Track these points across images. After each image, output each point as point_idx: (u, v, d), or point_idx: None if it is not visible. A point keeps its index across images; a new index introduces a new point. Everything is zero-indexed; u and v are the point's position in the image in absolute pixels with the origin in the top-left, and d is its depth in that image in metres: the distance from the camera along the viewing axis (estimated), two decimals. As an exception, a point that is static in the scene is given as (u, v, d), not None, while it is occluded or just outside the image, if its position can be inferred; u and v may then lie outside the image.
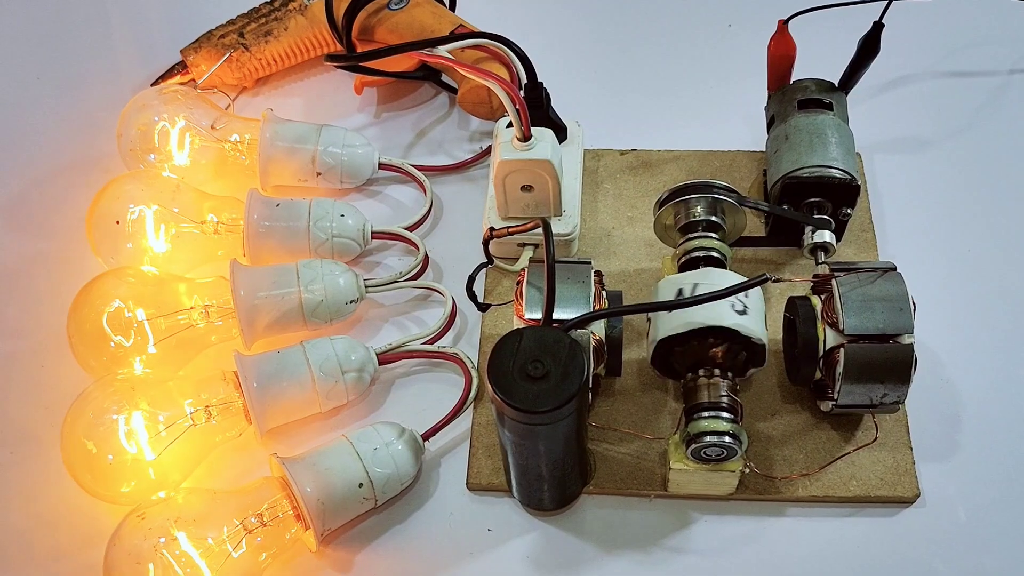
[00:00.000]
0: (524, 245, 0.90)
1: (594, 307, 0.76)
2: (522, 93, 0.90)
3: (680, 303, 0.70)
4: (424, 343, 0.87)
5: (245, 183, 0.95)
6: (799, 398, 0.84)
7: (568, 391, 0.66)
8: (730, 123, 1.01)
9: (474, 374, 0.85)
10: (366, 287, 0.89)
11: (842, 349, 0.75)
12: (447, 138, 1.02)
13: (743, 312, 0.75)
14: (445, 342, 0.88)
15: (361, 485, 0.77)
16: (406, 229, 0.93)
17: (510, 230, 0.77)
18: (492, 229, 0.78)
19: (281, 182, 0.97)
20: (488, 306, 0.82)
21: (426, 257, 0.92)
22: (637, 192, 0.96)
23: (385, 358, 0.86)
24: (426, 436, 0.81)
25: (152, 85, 1.06)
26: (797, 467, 0.80)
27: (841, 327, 0.75)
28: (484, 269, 0.84)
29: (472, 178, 0.99)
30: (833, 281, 0.76)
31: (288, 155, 0.95)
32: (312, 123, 0.97)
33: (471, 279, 0.81)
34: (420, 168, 0.98)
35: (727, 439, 0.73)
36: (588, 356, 0.73)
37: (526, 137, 0.82)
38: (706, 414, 0.74)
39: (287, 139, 0.95)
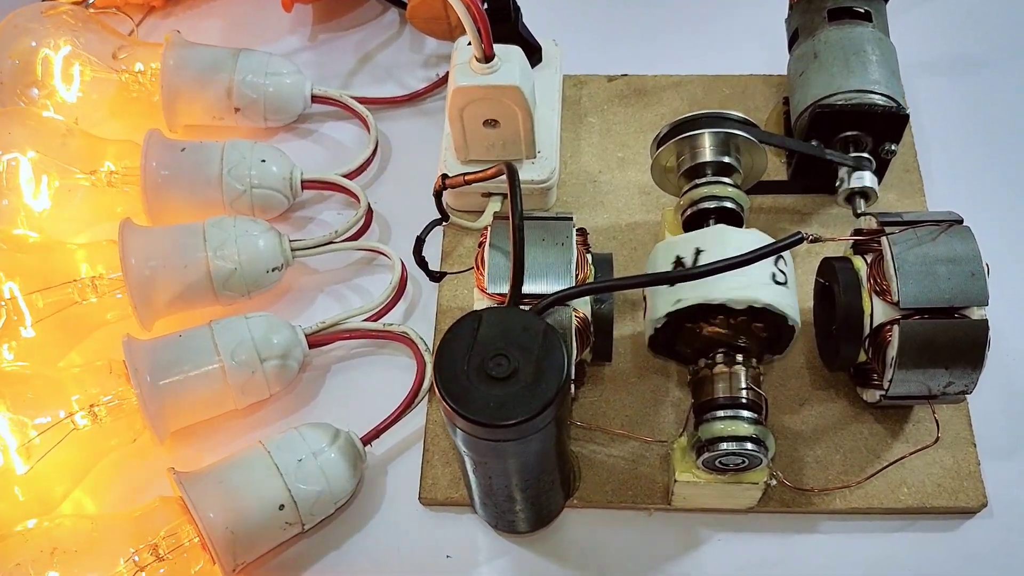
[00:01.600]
0: (490, 195, 0.72)
1: (577, 277, 0.59)
2: (484, 4, 0.72)
3: (688, 274, 0.53)
4: (366, 319, 0.70)
5: (151, 124, 0.77)
6: (834, 383, 0.67)
7: (543, 396, 0.49)
8: (741, 41, 0.84)
9: (428, 359, 0.68)
10: (294, 250, 0.71)
11: (896, 326, 0.58)
12: (396, 64, 0.85)
13: (783, 284, 0.58)
14: (393, 318, 0.71)
15: (282, 507, 0.60)
16: (345, 177, 0.76)
17: (466, 178, 0.59)
18: (445, 177, 0.61)
19: (192, 121, 0.79)
20: (442, 275, 0.65)
21: (369, 211, 0.74)
22: (629, 128, 0.78)
23: (317, 340, 0.69)
24: (367, 439, 0.65)
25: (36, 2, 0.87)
26: (833, 471, 0.64)
27: (895, 298, 0.58)
28: (437, 227, 0.66)
29: (427, 112, 0.82)
30: (884, 238, 0.59)
31: (198, 87, 0.77)
32: (228, 47, 0.78)
33: (419, 241, 0.64)
34: (363, 101, 0.80)
35: (749, 446, 0.57)
36: (569, 345, 0.56)
37: (488, 57, 0.64)
38: (722, 414, 0.58)
39: (196, 67, 0.77)
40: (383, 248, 0.72)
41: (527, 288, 0.57)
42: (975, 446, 0.64)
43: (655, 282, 0.53)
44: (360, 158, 0.77)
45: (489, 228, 0.60)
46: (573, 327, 0.58)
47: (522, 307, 0.52)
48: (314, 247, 0.72)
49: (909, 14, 0.83)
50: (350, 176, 0.76)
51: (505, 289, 0.57)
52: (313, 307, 0.73)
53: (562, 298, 0.53)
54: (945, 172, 0.76)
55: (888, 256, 0.59)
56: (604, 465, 0.65)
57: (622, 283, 0.53)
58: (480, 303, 0.60)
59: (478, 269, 0.60)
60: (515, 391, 0.49)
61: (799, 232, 0.55)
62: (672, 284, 0.53)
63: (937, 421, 0.62)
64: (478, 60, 0.64)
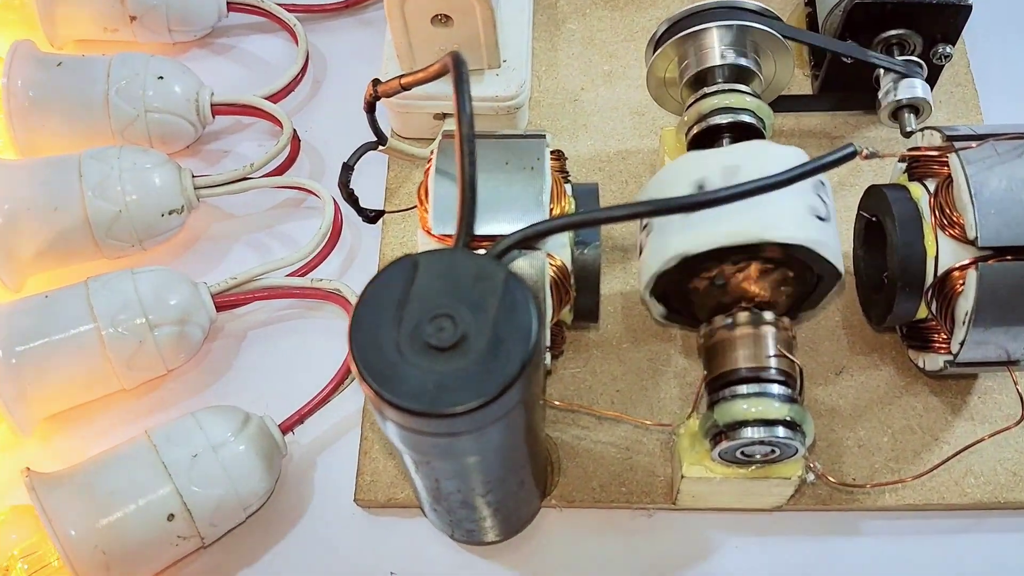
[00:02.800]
0: (445, 117, 0.58)
1: (551, 212, 0.45)
2: None
3: (707, 200, 0.39)
4: (291, 275, 0.56)
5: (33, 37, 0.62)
6: (878, 346, 0.53)
7: (503, 372, 0.35)
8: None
9: (366, 322, 0.53)
10: (199, 188, 0.57)
11: (972, 271, 0.44)
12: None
13: (825, 219, 0.44)
14: (325, 272, 0.57)
15: (172, 517, 0.47)
16: (267, 99, 0.61)
17: (402, 81, 0.45)
18: (376, 83, 0.46)
19: (80, 34, 0.64)
20: (379, 214, 0.51)
21: (295, 140, 0.60)
22: (616, 34, 0.64)
23: (228, 300, 0.55)
24: (288, 426, 0.51)
25: None
26: (880, 457, 0.51)
27: (971, 234, 0.44)
28: (373, 153, 0.51)
29: (369, 22, 0.67)
30: (954, 157, 0.45)
31: (83, -10, 0.61)
32: (120, -59, 0.63)
33: (347, 168, 0.49)
34: (291, 8, 0.65)
35: (781, 431, 0.43)
36: (541, 301, 0.42)
37: (434, -68, 0.49)
38: (744, 390, 0.44)
39: (79, -36, 0.61)
40: (311, 185, 0.57)
41: (485, 227, 0.43)
42: (1062, 425, 0.51)
43: (662, 211, 0.39)
44: (286, 77, 0.62)
45: (436, 150, 0.46)
46: (547, 278, 0.44)
47: (474, 250, 0.38)
48: (225, 184, 0.57)
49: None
50: (273, 98, 0.62)
51: (454, 228, 0.43)
52: (226, 260, 0.59)
53: (531, 236, 0.38)
54: (1005, 84, 0.62)
55: (960, 179, 0.44)
56: (590, 455, 0.51)
57: (613, 214, 0.39)
58: (425, 246, 0.45)
59: (421, 203, 0.46)
60: (464, 366, 0.35)
61: (851, 144, 0.40)
62: (688, 213, 0.39)
63: (1020, 394, 0.48)
64: (422, -65, 0.50)
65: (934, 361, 0.49)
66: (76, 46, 0.65)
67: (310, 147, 0.62)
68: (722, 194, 0.38)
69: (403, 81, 0.44)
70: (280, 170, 0.60)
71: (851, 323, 0.54)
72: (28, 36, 0.62)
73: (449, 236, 0.44)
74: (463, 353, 0.35)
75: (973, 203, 0.44)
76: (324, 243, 0.56)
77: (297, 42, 0.64)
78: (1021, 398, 0.47)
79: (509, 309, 0.36)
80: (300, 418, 0.51)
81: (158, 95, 0.58)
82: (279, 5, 0.65)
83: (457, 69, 0.39)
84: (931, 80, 0.57)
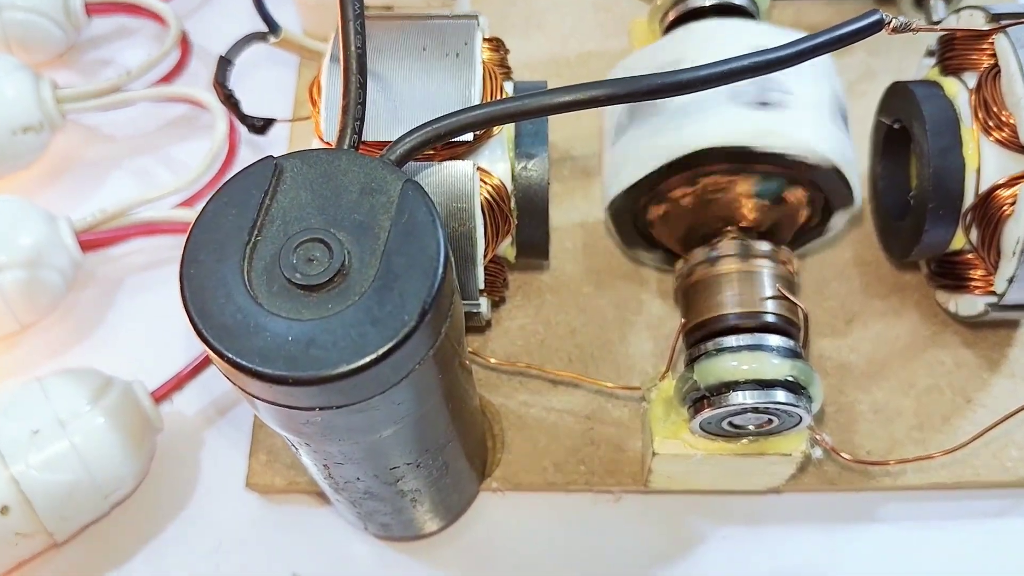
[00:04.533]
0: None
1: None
2: None
3: (689, 79, 0.28)
4: (178, 207, 0.45)
5: None
6: (898, 287, 0.43)
7: (397, 320, 0.25)
8: None
9: (265, 263, 0.43)
10: (63, 100, 0.46)
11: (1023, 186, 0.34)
12: None
13: (838, 122, 0.34)
14: (219, 202, 0.46)
15: (6, 510, 0.36)
16: (152, -4, 0.50)
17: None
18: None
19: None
20: (267, 123, 0.40)
21: (185, 43, 0.49)
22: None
23: (97, 239, 0.44)
24: (162, 393, 0.40)
25: None
26: (901, 425, 0.41)
27: (1025, 139, 0.34)
28: (259, 44, 0.40)
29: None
30: (1003, 39, 0.35)
31: None
32: None
33: (224, 62, 0.38)
34: None
35: (780, 396, 0.33)
36: (466, 222, 0.32)
37: None
38: (734, 341, 0.34)
39: None
40: (198, 95, 0.47)
41: (390, 130, 0.33)
42: (1123, 379, 0.41)
43: (629, 95, 0.28)
44: (176, -32, 0.51)
45: (332, 38, 0.35)
46: (477, 199, 0.34)
47: (363, 152, 0.28)
48: (95, 97, 0.46)
49: None
50: (161, -7, 0.51)
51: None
52: (100, 191, 0.48)
53: (441, 133, 0.28)
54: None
55: (1012, 68, 0.34)
56: (542, 426, 0.41)
57: (561, 100, 0.28)
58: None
59: (313, 103, 0.35)
60: (341, 311, 0.25)
61: (876, 11, 0.30)
62: (665, 97, 0.28)
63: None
64: None
65: (971, 304, 0.39)
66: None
67: (206, 54, 0.51)
68: (705, 73, 0.28)
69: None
70: (166, 80, 0.49)
71: (864, 259, 0.44)
72: None
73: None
74: (341, 294, 0.25)
75: (1030, 98, 0.33)
76: (216, 167, 0.46)
77: (192, -73, 0.53)
78: (1081, 350, 0.37)
79: (406, 232, 0.26)
80: (178, 383, 0.41)
81: (14, -11, 0.47)
82: None
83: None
84: (958, -38, 0.46)
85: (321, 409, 0.26)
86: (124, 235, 0.44)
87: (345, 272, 0.25)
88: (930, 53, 0.40)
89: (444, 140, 0.28)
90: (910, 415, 0.41)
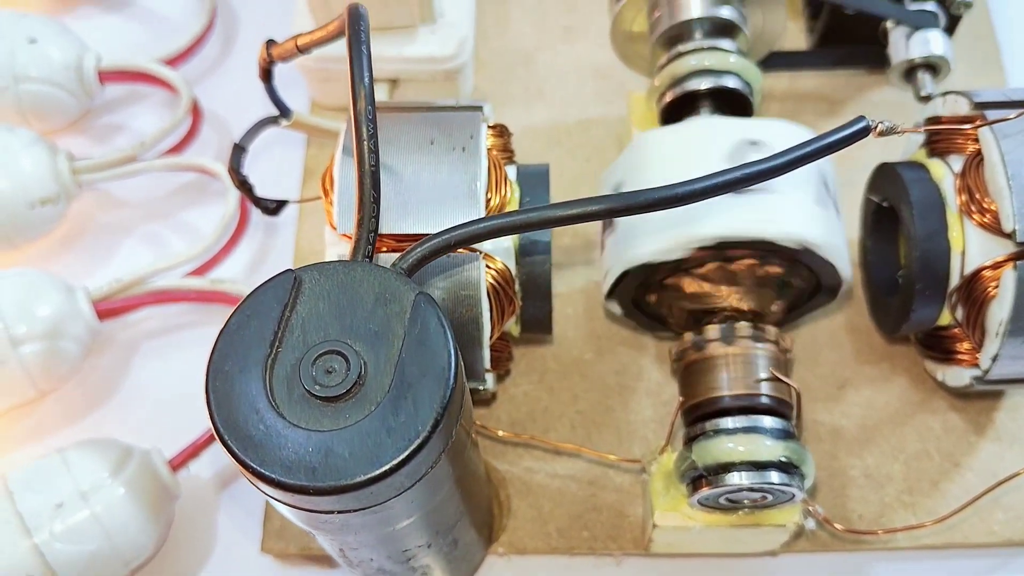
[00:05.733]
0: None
1: (489, 204, 0.36)
2: None
3: (683, 193, 0.30)
4: (189, 274, 0.47)
5: None
6: (888, 354, 0.45)
7: (411, 431, 0.26)
8: None
9: (276, 333, 0.44)
10: (79, 172, 0.47)
11: (1009, 270, 0.36)
12: None
13: (827, 207, 0.35)
14: (230, 270, 0.48)
15: (30, 582, 0.38)
16: (166, 63, 0.51)
17: (298, 43, 0.35)
18: (270, 44, 0.37)
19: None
20: (279, 205, 0.42)
21: (196, 112, 0.50)
22: (577, -17, 0.55)
23: (113, 307, 0.45)
24: (180, 461, 0.42)
25: None
26: (891, 489, 0.42)
27: (1007, 226, 0.35)
28: (272, 127, 0.42)
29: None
30: (987, 130, 0.36)
31: (-57, -65, 0.52)
32: None
33: (238, 150, 0.40)
34: (195, -45, 0.55)
35: (774, 477, 0.34)
36: (482, 348, 0.34)
37: None
38: (730, 423, 0.35)
39: (-61, -95, 0.52)
40: (211, 166, 0.48)
41: (402, 224, 0.34)
42: (1105, 440, 0.42)
43: (623, 210, 0.30)
44: (188, 36, 0.53)
45: (344, 130, 0.37)
46: (483, 286, 0.35)
47: (378, 263, 0.29)
48: (110, 167, 0.48)
49: None
50: (173, 61, 0.52)
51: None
52: (115, 258, 0.49)
53: (449, 244, 0.29)
54: (1031, 38, 0.53)
55: (995, 157, 0.36)
56: (546, 492, 0.42)
57: (557, 214, 0.29)
58: (333, 248, 0.37)
59: (326, 194, 0.37)
60: (358, 422, 0.26)
61: (862, 118, 0.32)
62: (647, 211, 0.30)
63: (1063, 418, 0.39)
64: None
65: (958, 376, 0.40)
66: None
67: (216, 119, 0.52)
68: (700, 186, 0.29)
69: (299, 43, 0.35)
70: (178, 148, 0.50)
71: (856, 326, 0.45)
72: None
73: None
74: (358, 404, 0.27)
75: (1010, 187, 0.35)
76: (228, 236, 0.47)
77: (202, -5, 0.54)
78: (1065, 423, 0.39)
79: (419, 342, 0.27)
80: (195, 451, 0.42)
81: (31, 62, 0.49)
82: (182, -48, 0.55)
83: (353, 25, 0.30)
84: (947, 30, 0.48)
85: (339, 512, 0.27)
86: (139, 303, 0.46)
87: (361, 382, 0.27)
88: (918, 126, 0.42)
89: (453, 250, 0.30)
90: (900, 480, 0.42)
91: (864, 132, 0.31)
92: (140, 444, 0.42)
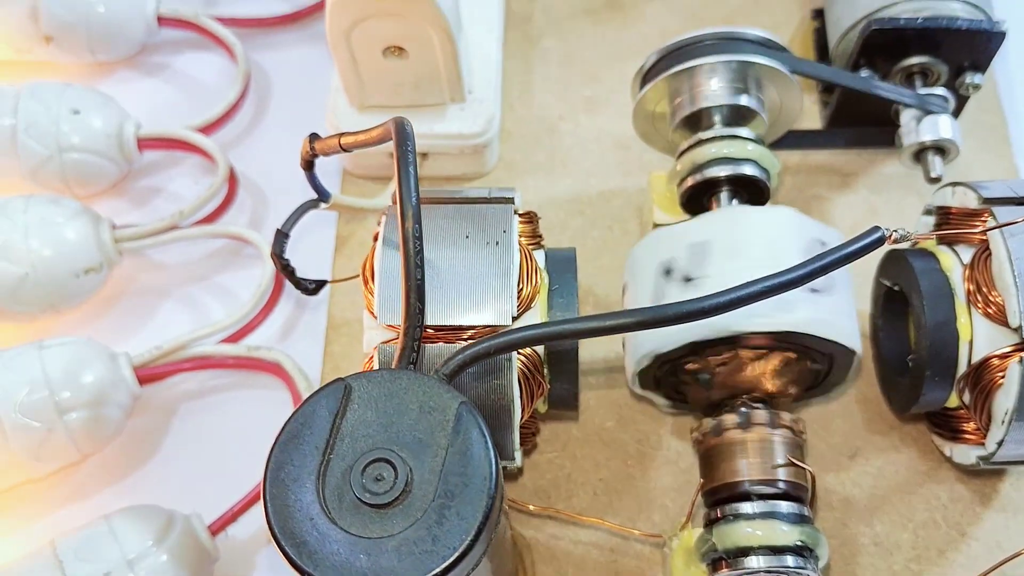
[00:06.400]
0: (401, 156, 0.50)
1: (521, 294, 0.38)
2: None
3: (694, 308, 0.31)
4: (224, 340, 0.48)
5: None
6: (897, 425, 0.47)
7: (455, 540, 0.28)
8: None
9: (311, 400, 0.46)
10: (120, 240, 0.49)
11: (1015, 362, 0.37)
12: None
13: (822, 291, 0.37)
14: (264, 336, 0.50)
15: (79, 648, 0.40)
16: (200, 132, 0.53)
17: (342, 141, 0.37)
18: (313, 138, 0.39)
19: (-11, 54, 0.56)
20: (319, 285, 0.44)
21: (231, 180, 0.52)
22: (600, 54, 0.57)
23: (152, 372, 0.47)
24: (219, 526, 0.44)
25: None
26: (899, 557, 0.44)
27: (1014, 321, 0.37)
28: (312, 211, 0.44)
29: (317, 35, 0.59)
30: (998, 233, 0.38)
31: (-11, 6, 0.54)
32: (32, -52, 0.55)
33: (281, 236, 0.42)
34: (229, 23, 0.57)
35: (790, 560, 0.36)
36: (513, 432, 0.36)
37: (382, -48, 0.42)
38: (749, 509, 0.37)
39: (-16, -23, 0.54)
40: (248, 235, 0.50)
41: (440, 316, 0.36)
42: (1105, 518, 0.44)
43: (641, 325, 0.32)
44: (223, 104, 0.55)
45: (384, 218, 0.39)
46: (515, 374, 0.37)
47: (419, 372, 0.31)
48: (149, 236, 0.50)
49: None
50: (209, 128, 0.54)
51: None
52: (153, 319, 0.51)
53: (486, 353, 0.31)
54: (1037, 110, 0.55)
55: (1002, 255, 0.38)
56: (570, 558, 0.44)
57: (585, 327, 0.32)
58: (371, 333, 0.38)
59: (366, 283, 0.38)
60: (404, 531, 0.28)
61: (877, 228, 0.33)
62: (676, 323, 0.32)
63: (1065, 499, 0.41)
64: (368, -44, 0.42)
65: (965, 454, 0.42)
66: (-16, 68, 0.57)
67: (250, 182, 0.54)
68: (726, 299, 0.31)
69: (343, 142, 0.37)
70: (215, 214, 0.52)
71: (866, 397, 0.47)
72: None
73: (397, 327, 0.37)
74: (405, 511, 0.29)
75: (1017, 285, 0.37)
76: (262, 304, 0.49)
77: (236, 61, 0.56)
78: (1066, 503, 0.41)
79: (461, 452, 0.29)
80: (233, 516, 0.44)
81: (75, 132, 0.51)
82: (215, 19, 0.57)
83: (401, 146, 0.32)
84: (956, 110, 0.50)
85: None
86: (178, 369, 0.48)
87: (408, 490, 0.29)
88: (928, 212, 0.44)
89: (491, 356, 0.32)
90: (908, 548, 0.44)
91: (879, 242, 0.33)
92: (180, 508, 0.44)
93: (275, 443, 0.29)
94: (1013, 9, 0.52)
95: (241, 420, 0.49)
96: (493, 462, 0.29)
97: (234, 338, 0.49)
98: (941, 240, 0.42)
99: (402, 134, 0.32)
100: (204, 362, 0.48)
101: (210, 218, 0.52)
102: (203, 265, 0.53)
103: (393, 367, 0.32)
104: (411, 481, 0.29)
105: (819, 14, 0.54)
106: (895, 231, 0.34)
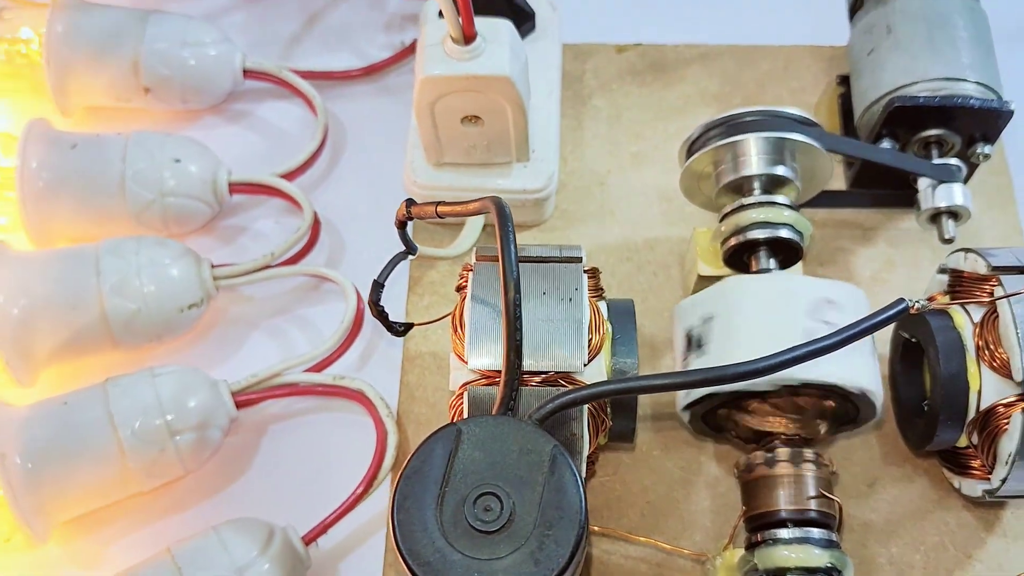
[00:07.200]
0: (470, 208, 0.56)
1: (591, 343, 0.44)
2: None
3: (749, 370, 0.37)
4: (309, 369, 0.54)
5: (46, 108, 0.61)
6: (911, 458, 0.53)
7: (554, 564, 0.34)
8: (782, 1, 0.66)
9: (390, 426, 0.52)
10: (218, 278, 0.55)
11: (1018, 412, 0.43)
12: (351, 26, 0.67)
13: (875, 356, 0.44)
14: (346, 364, 0.56)
15: (197, 643, 0.46)
16: (284, 177, 0.59)
17: (439, 210, 0.43)
18: (410, 203, 0.45)
19: (92, 102, 0.62)
20: (407, 328, 0.49)
21: (315, 224, 0.58)
22: (645, 113, 0.62)
23: (247, 398, 0.53)
24: (311, 537, 0.50)
25: None
26: None
27: (1017, 376, 0.43)
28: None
29: (391, 89, 0.65)
30: (1001, 298, 0.44)
31: (96, 60, 0.60)
32: (133, 9, 0.61)
33: (378, 287, 0.47)
34: (308, 76, 0.63)
35: (821, 580, 0.42)
36: (580, 462, 0.41)
37: (468, 38, 0.48)
38: (786, 535, 0.43)
39: (92, 35, 0.60)
40: (332, 275, 0.56)
41: (524, 363, 0.42)
42: (1094, 542, 0.50)
43: (712, 381, 0.38)
44: (303, 153, 0.60)
45: (471, 274, 0.45)
46: (585, 413, 0.43)
47: (515, 417, 0.37)
48: (245, 274, 0.56)
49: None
50: (291, 175, 0.60)
51: (491, 361, 0.42)
52: (243, 350, 0.57)
53: (573, 402, 0.37)
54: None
55: (1007, 318, 0.43)
56: (620, 571, 0.50)
57: (652, 384, 0.38)
58: (458, 373, 0.44)
59: (456, 332, 0.44)
60: (510, 554, 0.34)
61: (902, 300, 0.39)
62: (734, 382, 0.38)
63: (1060, 529, 0.47)
64: (455, 41, 0.48)
65: (972, 487, 0.48)
66: (86, 113, 0.63)
67: (329, 224, 0.60)
68: (776, 361, 0.37)
69: (440, 210, 0.43)
70: (300, 255, 0.58)
71: (884, 432, 0.53)
72: (38, 102, 0.62)
73: (485, 371, 0.42)
74: (510, 538, 0.35)
75: (1020, 344, 0.43)
76: (344, 337, 0.55)
77: (316, 112, 0.62)
78: (1061, 533, 0.47)
79: (556, 488, 0.35)
80: (323, 528, 0.50)
81: (175, 178, 0.56)
82: (295, 73, 0.63)
83: (503, 226, 0.38)
84: (967, 176, 0.55)
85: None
86: (271, 395, 0.54)
87: (512, 520, 0.35)
88: (942, 271, 0.49)
89: (578, 406, 0.37)
90: (919, 568, 0.50)
91: (905, 311, 0.39)
92: (275, 520, 0.50)
93: (400, 477, 0.35)
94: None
95: (326, 441, 0.54)
96: (583, 498, 0.35)
97: (318, 367, 0.55)
98: (954, 298, 0.48)
99: (503, 215, 0.38)
100: (294, 389, 0.54)
101: (295, 257, 0.58)
102: (287, 298, 0.58)
103: (494, 413, 0.38)
104: (515, 512, 0.35)
105: (844, 80, 0.59)
106: (917, 302, 0.40)
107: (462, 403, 0.43)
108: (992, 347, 0.44)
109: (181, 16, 0.62)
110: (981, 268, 0.46)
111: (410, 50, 0.65)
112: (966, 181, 0.55)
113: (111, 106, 0.62)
